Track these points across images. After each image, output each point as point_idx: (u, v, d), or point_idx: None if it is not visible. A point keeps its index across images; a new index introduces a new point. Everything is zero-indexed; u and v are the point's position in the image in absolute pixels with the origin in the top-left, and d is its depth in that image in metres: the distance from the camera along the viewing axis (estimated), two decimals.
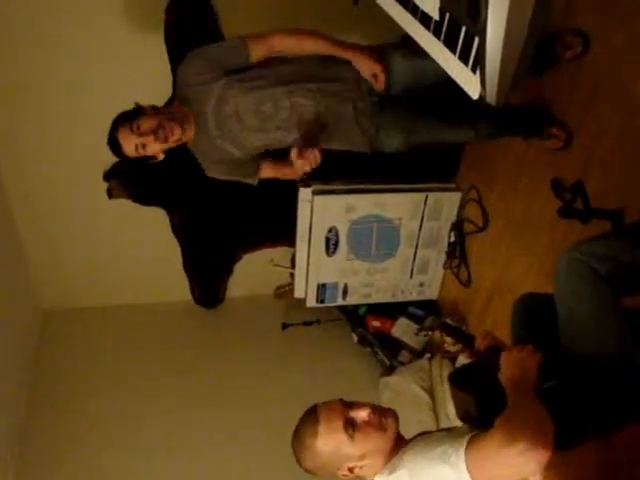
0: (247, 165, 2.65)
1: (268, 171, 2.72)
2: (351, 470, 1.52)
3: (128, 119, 2.31)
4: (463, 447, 1.34)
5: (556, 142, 2.63)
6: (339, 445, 1.49)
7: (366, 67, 2.38)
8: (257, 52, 2.38)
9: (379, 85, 2.41)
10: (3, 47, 3.16)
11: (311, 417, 1.54)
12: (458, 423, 1.69)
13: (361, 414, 1.51)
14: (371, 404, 1.56)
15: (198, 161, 2.62)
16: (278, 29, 2.43)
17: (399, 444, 1.54)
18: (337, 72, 2.44)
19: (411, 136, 2.52)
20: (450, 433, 1.52)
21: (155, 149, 2.35)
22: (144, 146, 2.31)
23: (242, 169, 2.67)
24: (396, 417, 1.56)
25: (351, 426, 1.49)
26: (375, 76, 2.38)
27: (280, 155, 2.62)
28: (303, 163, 2.37)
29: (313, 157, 2.36)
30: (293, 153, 2.37)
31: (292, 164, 2.41)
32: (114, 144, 2.34)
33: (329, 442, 1.50)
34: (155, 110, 2.38)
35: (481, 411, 1.50)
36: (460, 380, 1.67)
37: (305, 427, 1.55)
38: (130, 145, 2.31)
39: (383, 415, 1.54)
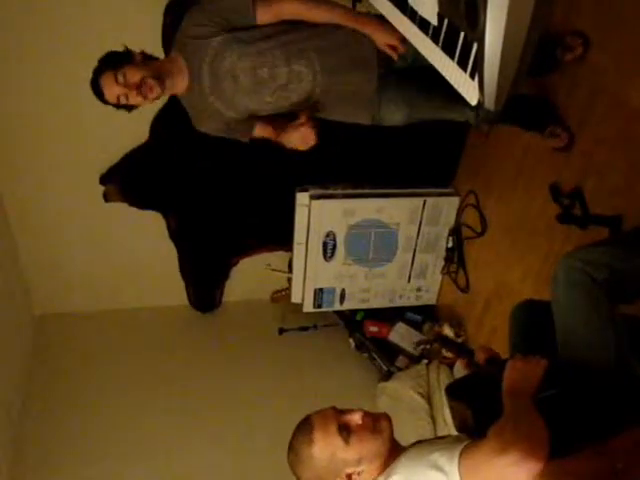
0: (238, 126, 2.56)
1: (260, 131, 2.59)
2: (349, 477, 1.51)
3: (114, 65, 2.28)
4: (457, 455, 1.34)
5: (558, 142, 2.61)
6: (335, 450, 1.49)
7: (382, 38, 2.33)
8: (265, 15, 2.34)
9: (397, 53, 2.36)
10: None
11: (305, 426, 1.55)
12: (455, 430, 1.69)
13: (354, 418, 1.52)
14: (363, 409, 1.56)
15: (188, 114, 2.55)
16: None
17: (395, 451, 1.54)
18: (344, 42, 2.40)
19: (413, 110, 2.49)
20: (446, 441, 1.51)
21: (136, 101, 2.33)
22: (126, 97, 2.29)
23: (234, 130, 2.58)
24: (389, 420, 1.56)
25: (345, 430, 1.50)
26: (391, 46, 2.34)
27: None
28: (299, 137, 2.42)
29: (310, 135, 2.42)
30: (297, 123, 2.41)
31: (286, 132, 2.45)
32: (96, 86, 2.30)
33: (326, 448, 1.50)
34: (144, 59, 2.35)
35: (478, 423, 1.49)
36: (457, 392, 1.66)
37: (300, 437, 1.55)
38: (112, 93, 2.29)
39: (376, 419, 1.55)
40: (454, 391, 1.68)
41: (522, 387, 1.50)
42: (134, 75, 2.27)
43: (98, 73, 2.30)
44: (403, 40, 2.31)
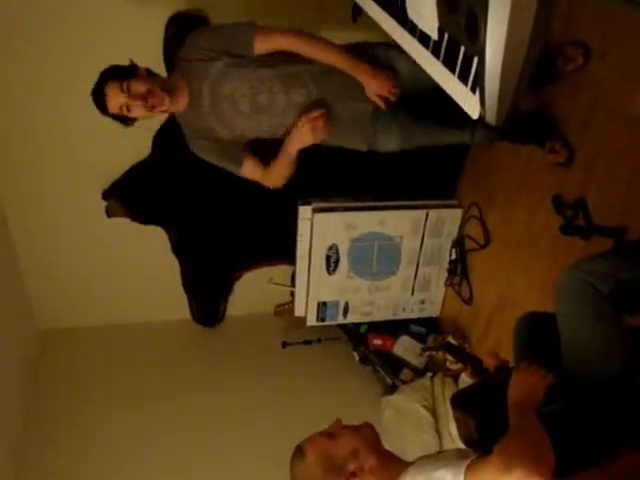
0: (231, 150, 2.55)
1: (251, 165, 2.57)
2: (354, 475, 1.48)
3: (120, 76, 2.28)
4: (462, 472, 1.32)
5: (557, 157, 2.62)
6: (327, 448, 1.51)
7: (374, 88, 2.39)
8: (263, 45, 2.38)
9: (386, 106, 2.42)
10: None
11: (295, 451, 1.57)
12: (461, 443, 1.67)
13: (333, 425, 1.56)
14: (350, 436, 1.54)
15: (183, 132, 2.57)
16: (292, 30, 2.41)
17: (398, 465, 1.51)
18: (340, 70, 2.43)
19: (408, 140, 2.55)
20: (450, 456, 1.50)
21: (139, 113, 2.31)
22: (129, 108, 2.28)
23: (225, 153, 2.57)
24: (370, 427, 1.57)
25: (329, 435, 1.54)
26: (381, 96, 2.40)
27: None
28: (310, 128, 2.38)
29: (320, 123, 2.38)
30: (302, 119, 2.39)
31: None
32: (99, 96, 2.29)
33: (316, 450, 1.52)
34: (149, 74, 2.36)
35: (483, 434, 1.48)
36: (462, 402, 1.65)
37: (294, 460, 1.57)
38: (115, 103, 2.27)
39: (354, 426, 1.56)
40: (459, 402, 1.66)
41: (527, 399, 1.49)
42: (140, 86, 2.27)
43: (102, 83, 2.29)
44: (394, 90, 2.40)
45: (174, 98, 2.37)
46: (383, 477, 1.50)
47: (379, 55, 2.47)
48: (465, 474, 1.32)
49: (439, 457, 1.54)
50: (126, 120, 2.35)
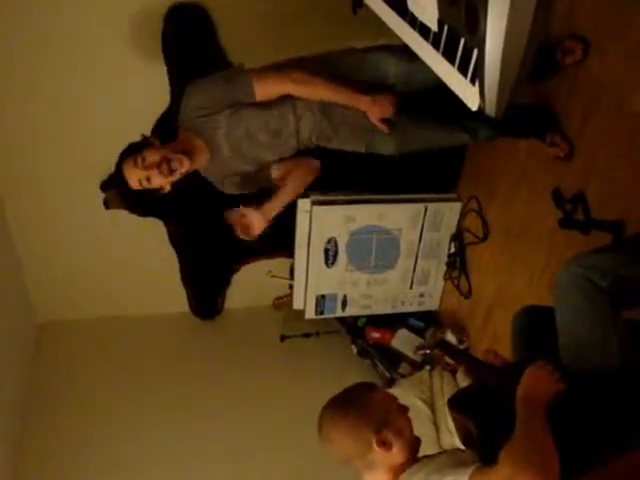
0: (259, 175, 2.67)
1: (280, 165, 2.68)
2: (381, 442, 1.50)
3: (134, 151, 2.31)
4: None
5: (557, 151, 2.61)
6: (392, 406, 1.58)
7: (375, 114, 2.43)
8: (263, 96, 2.40)
9: (383, 129, 2.47)
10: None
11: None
12: (460, 441, 1.67)
13: None
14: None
15: (213, 184, 2.65)
16: (288, 73, 2.39)
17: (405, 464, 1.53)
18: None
19: (406, 143, 2.58)
20: (451, 459, 1.48)
21: (160, 182, 2.34)
22: (148, 179, 2.30)
23: (255, 180, 2.68)
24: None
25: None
26: (381, 121, 2.45)
27: None
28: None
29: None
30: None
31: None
32: (121, 180, 2.33)
33: (384, 395, 1.61)
34: (161, 143, 2.39)
35: (481, 434, 1.48)
36: (460, 404, 1.65)
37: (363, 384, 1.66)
38: (134, 178, 2.30)
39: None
40: (457, 403, 1.66)
41: (537, 395, 1.49)
42: (153, 155, 2.29)
43: (119, 165, 2.32)
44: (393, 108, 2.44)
45: (194, 157, 2.40)
46: (392, 470, 1.52)
47: (369, 69, 2.49)
48: None
49: (440, 462, 1.51)
50: (153, 192, 2.39)
